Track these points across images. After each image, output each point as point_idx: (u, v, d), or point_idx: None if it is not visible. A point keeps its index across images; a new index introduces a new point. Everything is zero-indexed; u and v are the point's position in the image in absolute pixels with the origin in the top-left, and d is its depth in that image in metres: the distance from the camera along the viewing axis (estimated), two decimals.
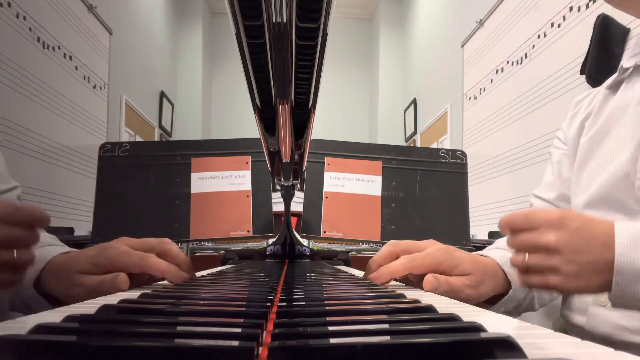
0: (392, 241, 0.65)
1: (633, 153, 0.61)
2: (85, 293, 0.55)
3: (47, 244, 0.66)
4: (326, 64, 0.39)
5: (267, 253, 1.13)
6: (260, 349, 0.22)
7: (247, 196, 1.12)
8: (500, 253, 0.69)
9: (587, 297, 0.65)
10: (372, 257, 0.67)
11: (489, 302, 0.67)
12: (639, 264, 0.44)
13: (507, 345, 0.21)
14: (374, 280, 0.62)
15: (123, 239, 0.59)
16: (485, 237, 2.29)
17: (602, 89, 0.73)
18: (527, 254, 0.49)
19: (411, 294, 0.47)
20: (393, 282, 0.68)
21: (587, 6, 1.79)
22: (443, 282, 0.59)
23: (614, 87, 0.70)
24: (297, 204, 1.11)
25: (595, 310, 0.63)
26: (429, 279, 0.59)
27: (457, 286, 0.60)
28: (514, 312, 0.72)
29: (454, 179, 1.17)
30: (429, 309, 0.33)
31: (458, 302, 0.45)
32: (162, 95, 3.93)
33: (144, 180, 1.14)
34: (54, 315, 0.31)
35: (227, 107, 4.78)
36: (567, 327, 0.71)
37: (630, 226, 0.46)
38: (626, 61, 0.68)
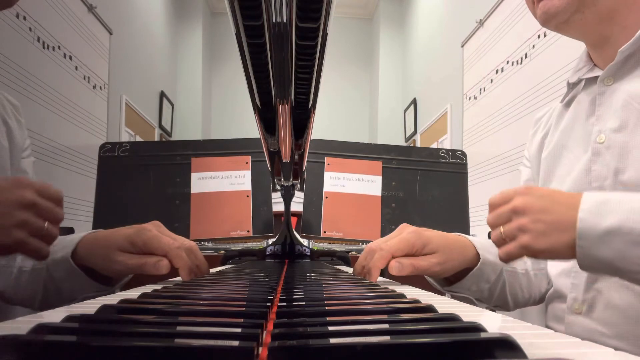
0: (368, 244, 0.68)
1: (586, 165, 0.64)
2: (126, 270, 0.59)
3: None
4: (326, 64, 0.39)
5: (267, 253, 1.13)
6: (260, 348, 0.22)
7: (247, 196, 1.12)
8: (476, 238, 0.72)
9: (562, 304, 0.67)
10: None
11: (460, 277, 0.69)
12: (599, 227, 0.47)
13: (507, 345, 0.21)
14: (368, 279, 0.63)
15: (159, 224, 0.63)
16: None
17: (558, 105, 0.76)
18: (502, 227, 0.54)
19: (411, 294, 0.47)
20: (393, 281, 0.68)
21: None
22: (407, 265, 0.62)
23: (568, 103, 0.73)
24: (297, 204, 1.11)
25: (572, 318, 0.65)
26: (392, 264, 0.62)
27: (423, 266, 0.63)
28: (488, 300, 0.72)
29: (454, 179, 1.17)
30: (429, 308, 0.33)
31: (458, 302, 0.45)
32: (162, 95, 3.92)
33: (144, 180, 1.14)
34: (54, 315, 0.31)
35: (227, 107, 4.77)
36: None
37: (596, 194, 0.49)
38: (571, 76, 0.72)
